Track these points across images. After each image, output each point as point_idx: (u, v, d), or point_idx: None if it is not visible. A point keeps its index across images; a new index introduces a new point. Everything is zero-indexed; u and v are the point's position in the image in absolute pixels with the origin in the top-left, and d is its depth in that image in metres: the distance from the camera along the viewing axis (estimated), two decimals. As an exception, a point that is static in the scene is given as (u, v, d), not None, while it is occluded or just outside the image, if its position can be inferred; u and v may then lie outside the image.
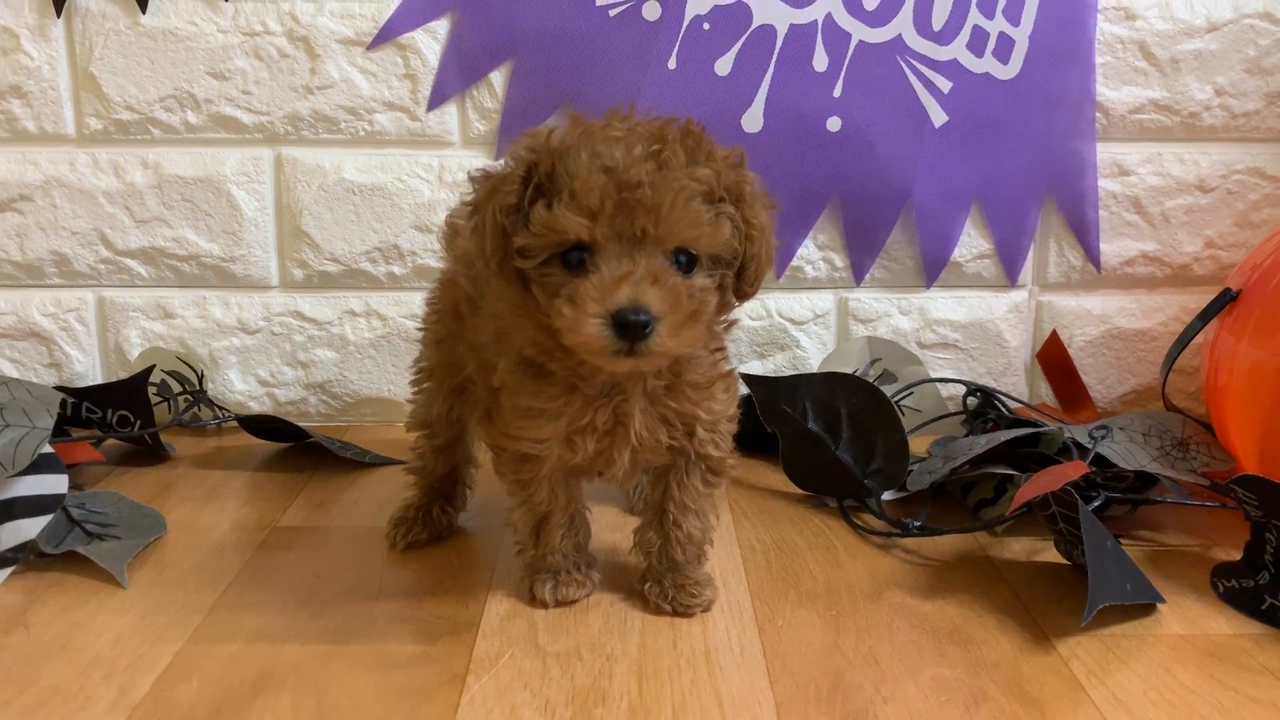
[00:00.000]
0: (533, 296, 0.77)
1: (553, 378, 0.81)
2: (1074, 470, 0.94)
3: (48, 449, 1.00)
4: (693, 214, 0.74)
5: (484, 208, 0.78)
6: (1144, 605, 0.89)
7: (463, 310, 0.93)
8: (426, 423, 1.01)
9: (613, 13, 1.26)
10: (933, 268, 1.34)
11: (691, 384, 0.83)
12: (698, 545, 0.89)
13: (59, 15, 1.26)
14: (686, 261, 0.76)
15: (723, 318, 0.84)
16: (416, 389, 1.03)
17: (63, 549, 0.96)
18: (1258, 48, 1.30)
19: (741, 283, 0.81)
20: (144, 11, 1.26)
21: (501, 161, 0.81)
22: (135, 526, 1.01)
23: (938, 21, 1.26)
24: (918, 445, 1.18)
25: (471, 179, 0.81)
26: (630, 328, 0.72)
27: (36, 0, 1.26)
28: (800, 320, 1.35)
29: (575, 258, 0.74)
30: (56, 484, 0.98)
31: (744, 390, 1.15)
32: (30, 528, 0.95)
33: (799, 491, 1.14)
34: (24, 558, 0.95)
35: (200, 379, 1.33)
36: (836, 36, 1.26)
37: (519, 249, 0.75)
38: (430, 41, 1.28)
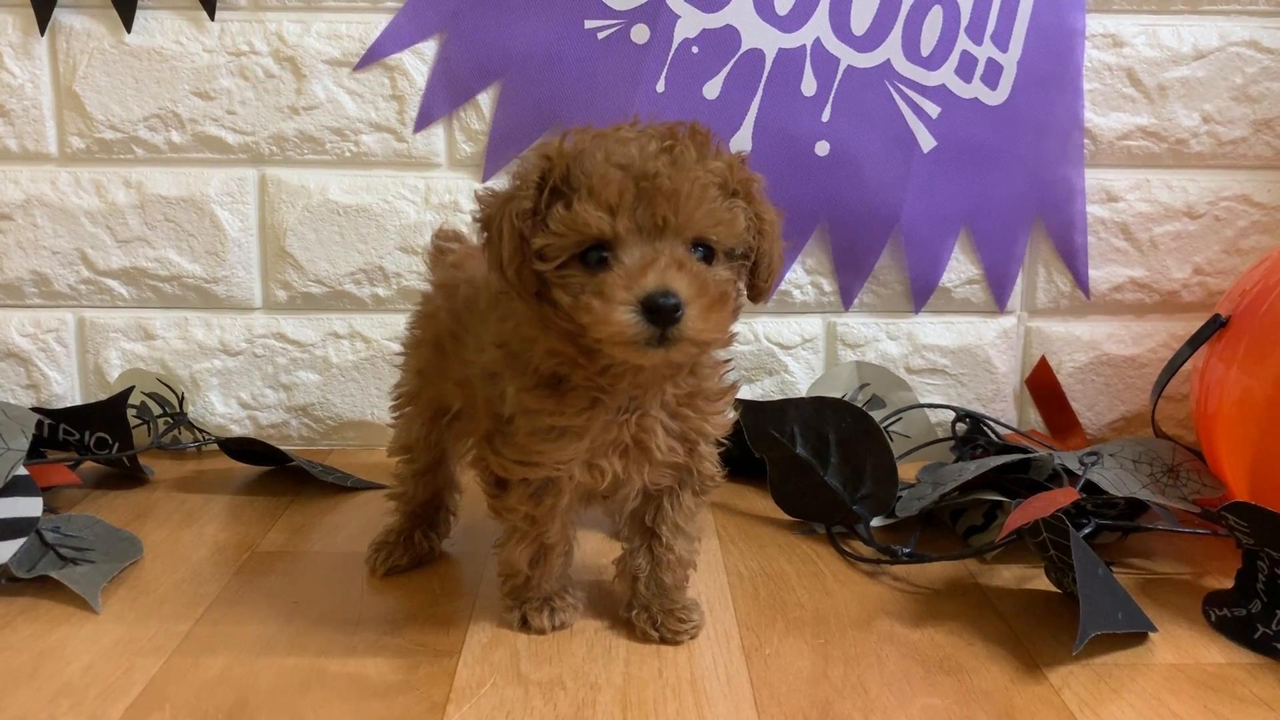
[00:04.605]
0: (549, 305, 0.76)
1: (575, 392, 0.79)
2: (1065, 497, 0.93)
3: (22, 471, 0.98)
4: (710, 203, 0.74)
5: (498, 217, 0.77)
6: (1136, 634, 0.88)
7: (446, 346, 0.92)
8: (407, 447, 1.00)
9: (601, 35, 1.25)
10: (921, 293, 1.33)
11: (705, 396, 0.83)
12: (685, 567, 0.89)
13: (43, 33, 1.25)
14: (705, 254, 0.76)
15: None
16: (397, 414, 1.02)
17: (35, 573, 0.94)
18: (1244, 75, 1.30)
19: (756, 279, 0.81)
20: (129, 30, 1.26)
21: (507, 183, 0.80)
22: (111, 551, 0.99)
23: (926, 47, 1.26)
24: (907, 471, 1.17)
25: (479, 198, 0.81)
26: (661, 312, 0.71)
27: (20, 18, 1.25)
28: (788, 345, 1.34)
29: (595, 257, 0.74)
30: (31, 507, 0.97)
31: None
32: (3, 551, 0.93)
33: (787, 518, 1.12)
34: (-5, 582, 0.93)
35: (181, 401, 1.31)
36: (825, 61, 1.26)
37: (538, 251, 0.75)
38: (417, 63, 1.27)
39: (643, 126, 0.78)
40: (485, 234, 0.79)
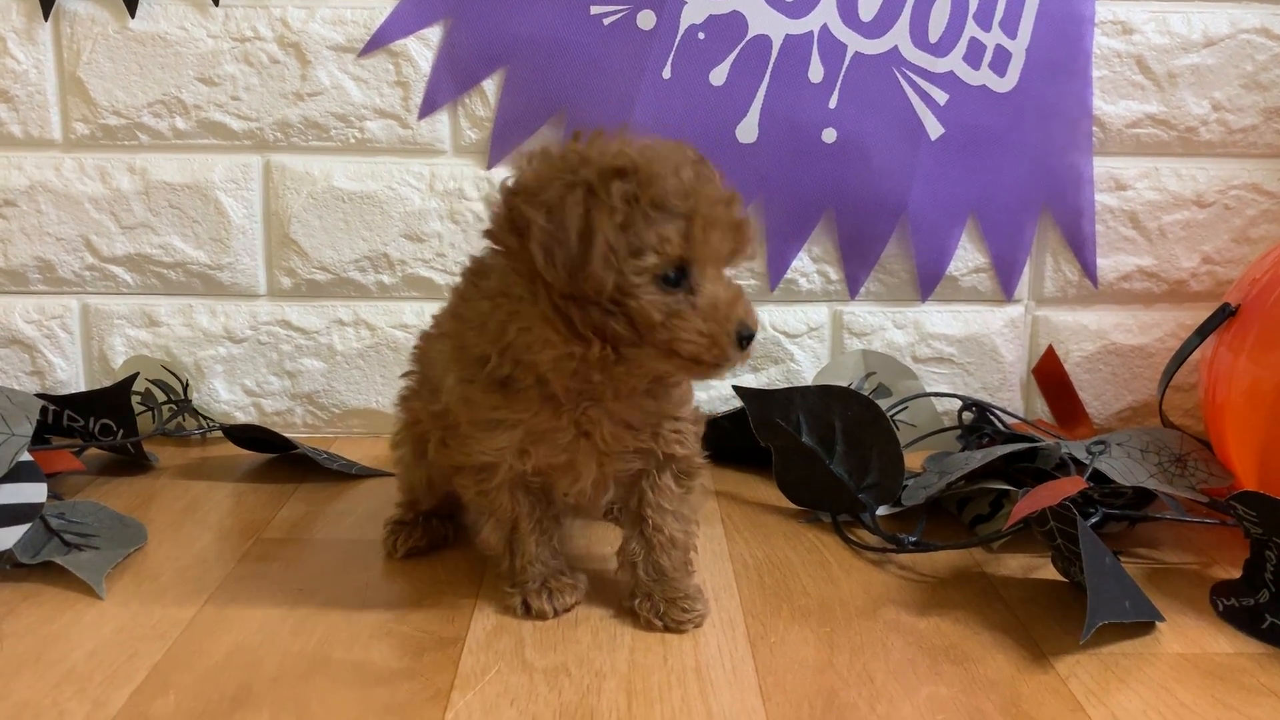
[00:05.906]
0: (591, 310, 0.75)
1: (523, 393, 0.81)
2: (1072, 486, 0.93)
3: (26, 457, 0.98)
4: (754, 228, 0.81)
5: (574, 220, 0.73)
6: (1143, 623, 0.87)
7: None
8: (409, 488, 1.01)
9: (607, 21, 1.25)
10: (928, 281, 1.32)
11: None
12: (682, 550, 0.88)
13: (46, 18, 1.25)
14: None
15: None
16: (397, 462, 1.03)
17: (40, 559, 0.94)
18: (1255, 63, 1.29)
19: None
20: (133, 15, 1.25)
21: (505, 172, 0.80)
22: (115, 537, 0.99)
23: (934, 33, 1.25)
24: (913, 460, 1.16)
25: (521, 190, 0.76)
26: (747, 343, 0.77)
27: (24, 3, 1.25)
28: (794, 333, 1.34)
29: (673, 275, 0.76)
30: (35, 493, 0.97)
31: (738, 404, 1.14)
32: (7, 537, 0.93)
33: (792, 506, 1.12)
34: (0, 568, 0.93)
35: (185, 388, 1.31)
36: (832, 47, 1.25)
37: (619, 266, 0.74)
38: (422, 49, 1.27)
39: (670, 143, 0.78)
40: (549, 230, 0.73)
